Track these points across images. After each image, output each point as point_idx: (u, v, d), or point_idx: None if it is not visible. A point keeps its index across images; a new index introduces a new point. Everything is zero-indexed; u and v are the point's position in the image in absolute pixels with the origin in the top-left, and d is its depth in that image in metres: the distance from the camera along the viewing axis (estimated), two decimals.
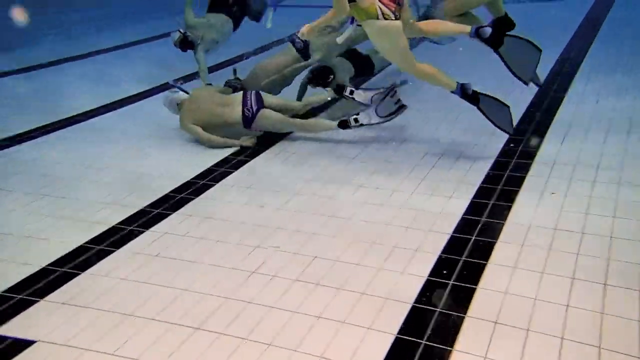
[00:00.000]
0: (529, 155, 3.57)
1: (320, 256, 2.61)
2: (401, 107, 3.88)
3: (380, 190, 3.25)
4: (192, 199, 3.30)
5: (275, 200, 3.21)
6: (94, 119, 4.86)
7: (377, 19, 3.24)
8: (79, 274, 2.58)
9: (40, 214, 3.19)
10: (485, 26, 3.38)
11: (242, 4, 5.31)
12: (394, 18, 3.26)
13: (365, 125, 3.90)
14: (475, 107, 3.54)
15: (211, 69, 5.48)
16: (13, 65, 6.62)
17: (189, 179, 3.57)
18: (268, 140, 4.12)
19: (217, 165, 3.78)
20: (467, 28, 3.38)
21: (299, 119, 4.10)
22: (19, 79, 6.27)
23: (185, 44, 5.04)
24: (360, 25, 3.43)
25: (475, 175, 3.36)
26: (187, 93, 4.26)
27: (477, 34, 3.33)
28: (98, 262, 2.68)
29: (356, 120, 3.88)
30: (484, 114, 3.55)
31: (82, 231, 2.97)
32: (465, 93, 3.50)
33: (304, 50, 4.46)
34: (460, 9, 3.74)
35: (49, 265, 2.67)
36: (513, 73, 3.48)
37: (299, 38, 4.50)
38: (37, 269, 2.64)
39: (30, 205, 3.31)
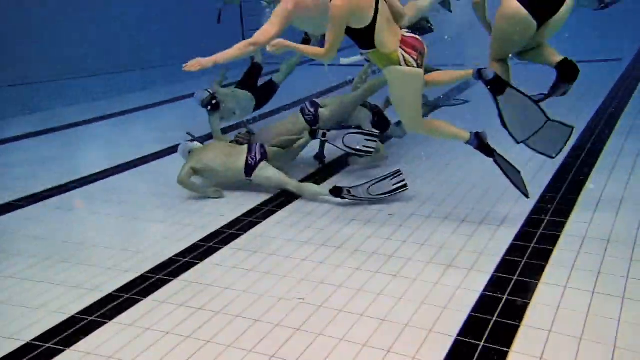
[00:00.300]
0: (557, 226, 3.32)
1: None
2: (400, 189, 3.79)
3: (394, 258, 3.08)
4: (220, 248, 3.34)
5: (298, 252, 3.22)
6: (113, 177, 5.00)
7: (400, 65, 3.22)
8: (106, 323, 2.62)
9: (70, 263, 3.27)
10: (486, 68, 3.25)
11: (269, 90, 5.51)
12: (415, 66, 3.23)
13: (357, 198, 3.85)
14: (490, 164, 3.40)
15: (225, 130, 5.55)
16: (39, 126, 6.71)
17: (217, 228, 3.62)
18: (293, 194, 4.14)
19: (245, 215, 3.84)
20: (470, 71, 3.30)
21: (294, 181, 4.09)
22: (42, 140, 6.30)
23: (212, 105, 5.15)
24: (368, 61, 3.31)
25: (498, 246, 3.13)
26: (202, 144, 4.43)
27: (479, 74, 3.23)
28: (125, 310, 2.71)
29: (349, 191, 3.87)
30: (501, 168, 3.39)
31: (112, 279, 3.03)
32: (482, 142, 3.36)
33: (312, 122, 4.51)
34: (500, 53, 3.63)
35: (77, 313, 2.72)
36: (505, 126, 3.30)
37: (309, 109, 4.56)
38: (66, 317, 2.69)
39: (57, 255, 3.39)
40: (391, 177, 3.85)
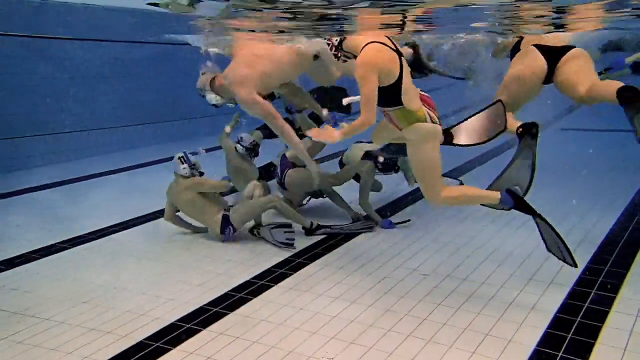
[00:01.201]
0: (607, 300, 3.12)
1: None
2: (286, 245, 4.09)
3: (412, 338, 2.82)
4: (250, 299, 3.32)
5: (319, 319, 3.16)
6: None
7: (425, 122, 3.07)
8: None
9: (103, 307, 3.31)
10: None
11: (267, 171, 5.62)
12: (438, 123, 3.13)
13: (265, 240, 4.23)
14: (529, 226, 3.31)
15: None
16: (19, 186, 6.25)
17: (246, 280, 3.62)
18: (325, 246, 4.13)
19: (277, 266, 3.83)
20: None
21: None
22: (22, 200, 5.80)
23: (252, 149, 5.17)
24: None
25: (530, 334, 2.83)
26: (201, 174, 4.37)
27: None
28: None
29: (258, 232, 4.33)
30: (540, 232, 3.15)
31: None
32: (517, 198, 3.09)
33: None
34: (510, 105, 3.47)
35: None
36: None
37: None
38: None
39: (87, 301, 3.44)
40: (285, 230, 4.19)
